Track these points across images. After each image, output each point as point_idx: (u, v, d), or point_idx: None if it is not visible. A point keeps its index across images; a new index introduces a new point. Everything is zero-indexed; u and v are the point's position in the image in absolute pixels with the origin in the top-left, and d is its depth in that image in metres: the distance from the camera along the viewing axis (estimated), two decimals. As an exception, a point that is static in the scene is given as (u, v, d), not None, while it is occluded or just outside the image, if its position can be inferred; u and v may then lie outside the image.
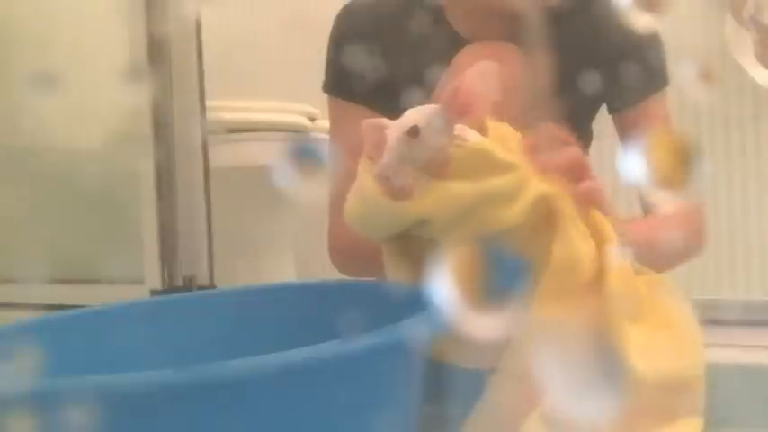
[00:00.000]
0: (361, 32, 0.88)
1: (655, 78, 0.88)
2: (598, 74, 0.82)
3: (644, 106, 0.87)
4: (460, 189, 0.53)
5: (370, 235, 0.59)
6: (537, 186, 0.54)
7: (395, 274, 0.59)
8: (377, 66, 0.85)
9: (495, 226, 0.53)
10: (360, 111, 0.88)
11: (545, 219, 0.54)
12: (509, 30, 0.79)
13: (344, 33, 0.89)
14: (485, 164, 0.53)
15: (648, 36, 0.86)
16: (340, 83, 0.89)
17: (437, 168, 0.53)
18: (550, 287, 0.53)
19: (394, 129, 0.55)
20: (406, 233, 0.57)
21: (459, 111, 0.53)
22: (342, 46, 0.89)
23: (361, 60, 0.86)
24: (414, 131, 0.53)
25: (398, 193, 0.54)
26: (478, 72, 0.54)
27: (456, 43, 0.82)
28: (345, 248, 0.86)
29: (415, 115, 0.54)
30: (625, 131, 0.89)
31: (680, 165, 0.40)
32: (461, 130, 0.54)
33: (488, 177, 0.53)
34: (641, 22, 0.42)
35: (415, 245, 0.57)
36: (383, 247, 0.60)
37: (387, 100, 0.83)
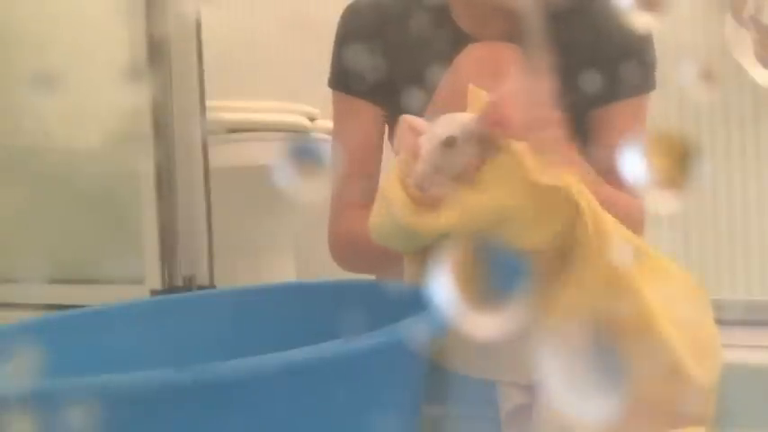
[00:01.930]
0: (367, 28, 0.88)
1: (642, 79, 0.87)
2: (596, 73, 0.82)
3: (625, 105, 0.87)
4: (483, 207, 0.52)
5: (394, 248, 0.58)
6: (563, 211, 0.53)
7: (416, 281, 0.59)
8: (382, 62, 0.86)
9: (516, 246, 0.52)
10: (365, 106, 0.88)
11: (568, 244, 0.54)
12: (513, 27, 0.79)
13: (351, 29, 0.90)
14: (515, 178, 0.52)
15: (643, 38, 0.86)
16: (346, 78, 0.89)
17: (470, 178, 0.53)
18: (568, 299, 0.53)
19: (429, 137, 0.54)
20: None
21: (495, 123, 0.53)
22: (348, 41, 0.89)
23: (367, 56, 0.86)
24: (450, 141, 0.53)
25: (432, 203, 0.53)
26: (518, 87, 0.53)
27: (461, 41, 0.82)
28: (347, 244, 0.86)
29: (450, 124, 0.54)
30: (598, 128, 0.88)
31: (679, 165, 0.40)
32: (502, 141, 0.54)
33: (515, 193, 0.52)
34: (641, 22, 0.42)
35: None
36: (405, 257, 0.60)
37: (392, 96, 0.83)
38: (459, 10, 0.86)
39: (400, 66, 0.85)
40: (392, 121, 0.89)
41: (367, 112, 0.89)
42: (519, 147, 0.54)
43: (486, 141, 0.53)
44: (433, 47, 0.84)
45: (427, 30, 0.86)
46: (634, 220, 0.78)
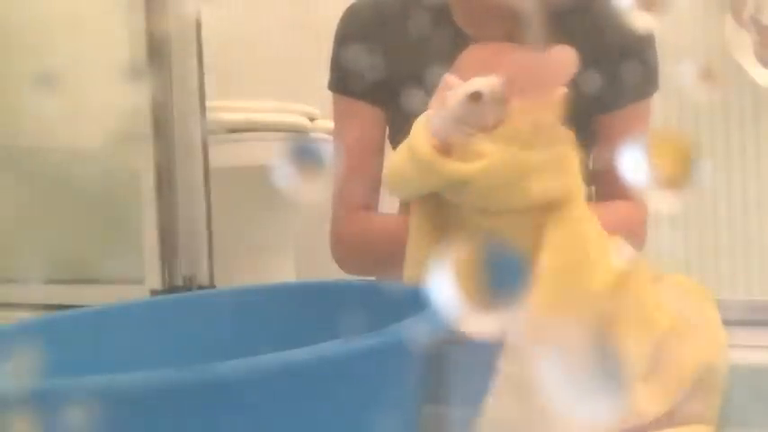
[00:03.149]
0: (366, 29, 0.88)
1: (646, 83, 0.87)
2: (598, 73, 0.82)
3: (631, 110, 0.87)
4: (507, 159, 0.54)
5: (405, 192, 0.60)
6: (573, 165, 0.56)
7: (417, 237, 0.61)
8: (382, 63, 0.86)
9: (532, 199, 0.55)
10: (365, 107, 0.88)
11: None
12: (513, 28, 0.79)
13: (350, 30, 0.90)
14: (537, 134, 0.55)
15: (645, 40, 0.86)
16: (346, 79, 0.89)
17: (490, 134, 0.55)
18: (557, 287, 0.54)
19: (457, 91, 0.57)
20: (437, 198, 0.58)
21: (523, 86, 0.54)
22: (347, 43, 0.89)
23: (367, 57, 0.86)
24: (475, 96, 0.55)
25: (447, 149, 0.55)
26: (553, 57, 0.55)
27: (461, 41, 0.82)
28: (350, 246, 0.86)
29: (480, 82, 0.56)
30: (604, 133, 0.88)
31: (680, 165, 0.40)
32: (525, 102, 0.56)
33: (537, 148, 0.55)
34: (641, 22, 0.42)
35: (443, 210, 0.58)
36: (412, 208, 0.61)
37: (392, 97, 0.83)
38: (460, 10, 0.86)
39: (400, 67, 0.85)
40: (392, 122, 0.89)
41: (367, 114, 0.89)
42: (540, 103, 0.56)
43: (509, 103, 0.55)
44: (434, 47, 0.84)
45: (427, 30, 0.86)
46: (635, 235, 0.79)
